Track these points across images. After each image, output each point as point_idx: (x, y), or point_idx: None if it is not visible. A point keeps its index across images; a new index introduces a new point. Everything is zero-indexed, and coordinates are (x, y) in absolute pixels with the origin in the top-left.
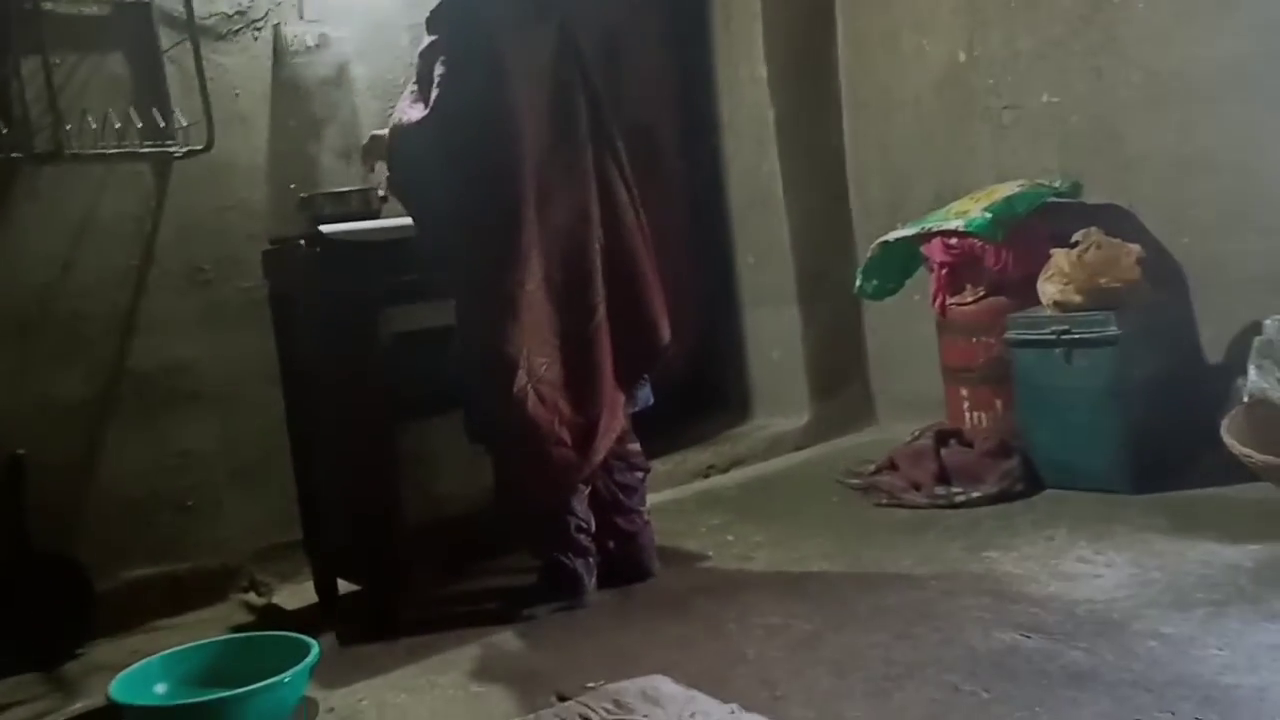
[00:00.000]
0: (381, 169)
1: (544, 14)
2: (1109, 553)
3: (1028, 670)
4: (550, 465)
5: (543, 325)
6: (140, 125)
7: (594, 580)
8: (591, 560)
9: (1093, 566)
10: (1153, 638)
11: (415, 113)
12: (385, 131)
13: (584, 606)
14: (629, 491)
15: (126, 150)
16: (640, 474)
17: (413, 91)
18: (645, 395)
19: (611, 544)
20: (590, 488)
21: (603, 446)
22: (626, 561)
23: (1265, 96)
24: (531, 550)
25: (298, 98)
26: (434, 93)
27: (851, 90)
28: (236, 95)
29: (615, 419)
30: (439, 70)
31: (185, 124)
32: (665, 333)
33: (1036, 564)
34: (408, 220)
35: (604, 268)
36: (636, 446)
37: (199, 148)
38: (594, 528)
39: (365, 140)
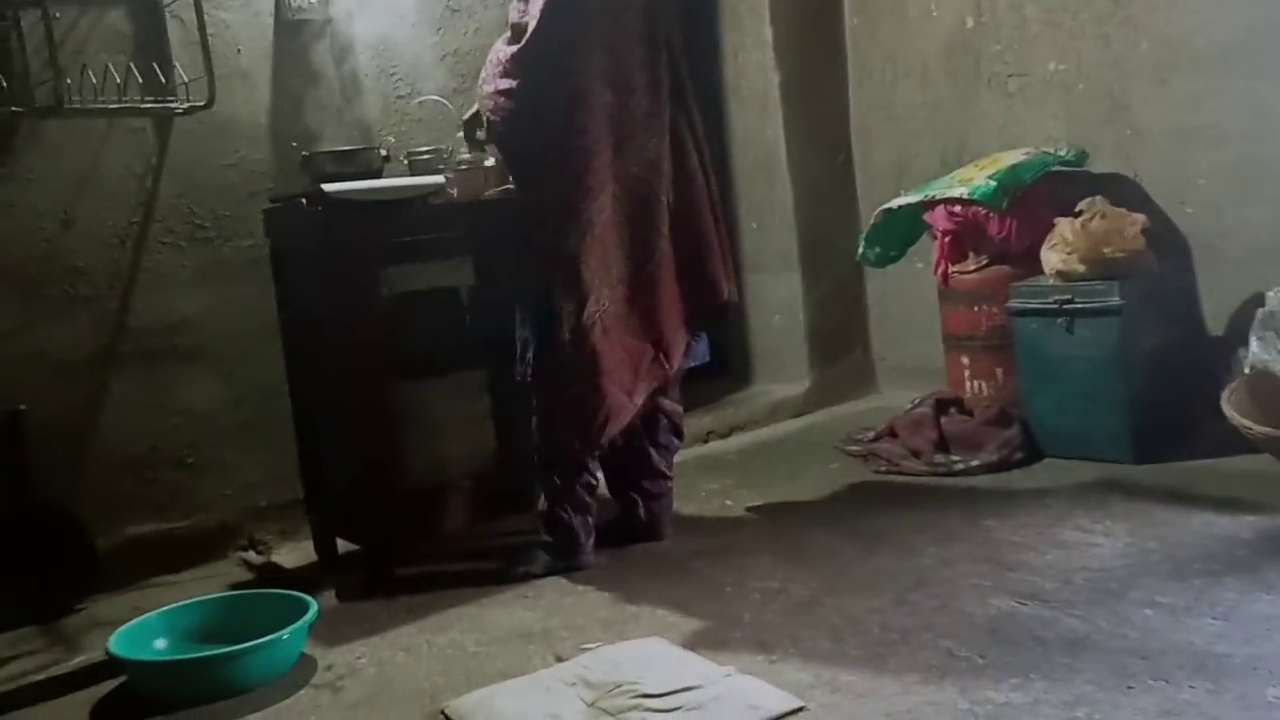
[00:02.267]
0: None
1: None
2: (1107, 522)
3: (1023, 637)
4: (605, 402)
5: (609, 264)
6: (141, 81)
7: (591, 541)
8: (590, 519)
9: (1090, 535)
10: (1148, 606)
11: (508, 50)
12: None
13: (581, 568)
14: (664, 452)
15: (128, 105)
16: (677, 440)
17: (506, 37)
18: (702, 351)
19: (637, 500)
20: (611, 444)
21: (643, 389)
22: (647, 520)
23: (1274, 67)
24: (545, 501)
25: (299, 55)
26: (531, 24)
27: (857, 55)
28: (238, 52)
29: (658, 367)
30: (537, 6)
31: (186, 80)
32: (723, 290)
33: (1034, 532)
34: (410, 180)
35: (670, 221)
36: (681, 409)
37: (200, 104)
38: (599, 485)
39: (465, 117)
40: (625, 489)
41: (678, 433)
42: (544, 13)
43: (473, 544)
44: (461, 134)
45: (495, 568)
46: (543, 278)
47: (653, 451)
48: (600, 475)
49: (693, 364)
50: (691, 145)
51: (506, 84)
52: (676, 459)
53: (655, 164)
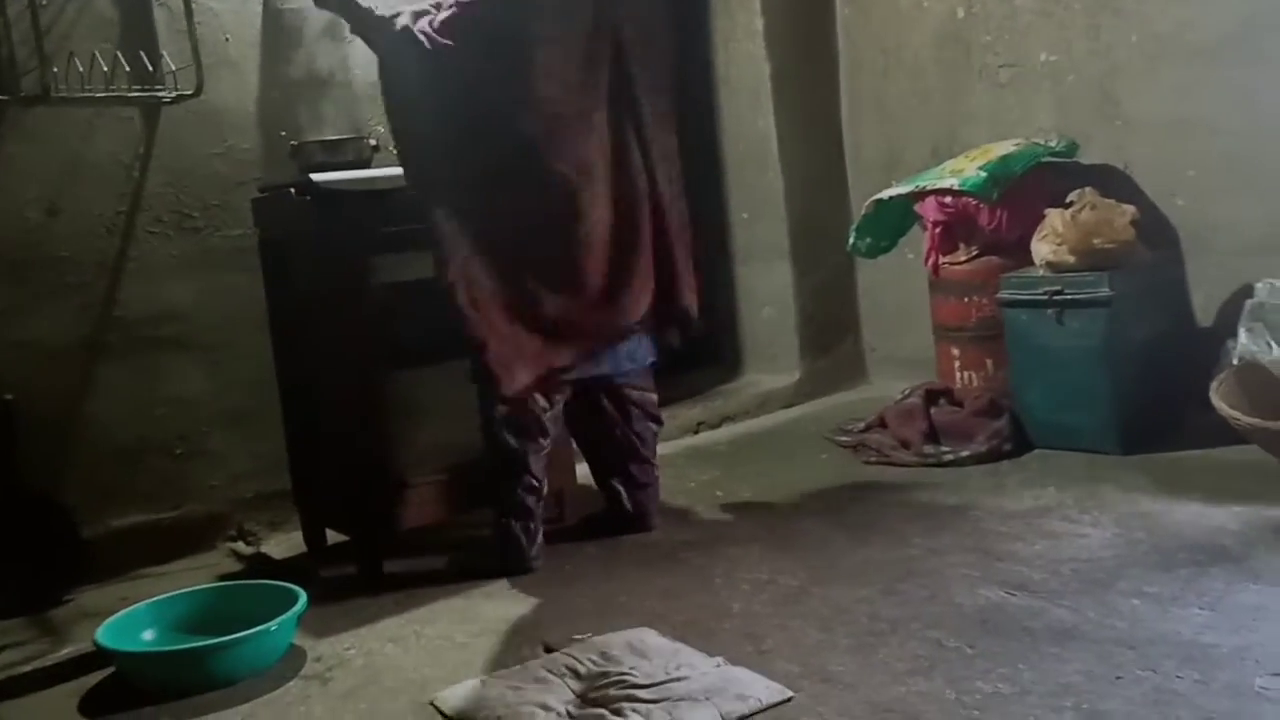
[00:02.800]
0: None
1: None
2: (1095, 512)
3: (1012, 627)
4: (487, 358)
5: (496, 245)
6: (128, 69)
7: (537, 547)
8: (533, 524)
9: (1079, 526)
10: (1136, 596)
11: (425, 31)
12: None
13: (528, 572)
14: (643, 440)
15: (115, 94)
16: (654, 425)
17: (434, 7)
18: (641, 353)
19: (623, 490)
20: (550, 446)
21: (528, 374)
22: (633, 510)
23: (1264, 58)
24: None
25: (288, 43)
26: (446, 17)
27: (849, 46)
28: (226, 40)
29: (549, 356)
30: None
31: (174, 68)
32: (641, 304)
33: (1023, 523)
34: (400, 169)
35: (604, 226)
36: (653, 397)
37: (188, 93)
38: (545, 490)
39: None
40: (609, 478)
41: (653, 419)
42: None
43: (462, 534)
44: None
45: (445, 567)
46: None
47: (634, 439)
48: (543, 478)
49: (632, 367)
50: (637, 154)
51: (432, 34)
52: (665, 450)
53: (585, 165)
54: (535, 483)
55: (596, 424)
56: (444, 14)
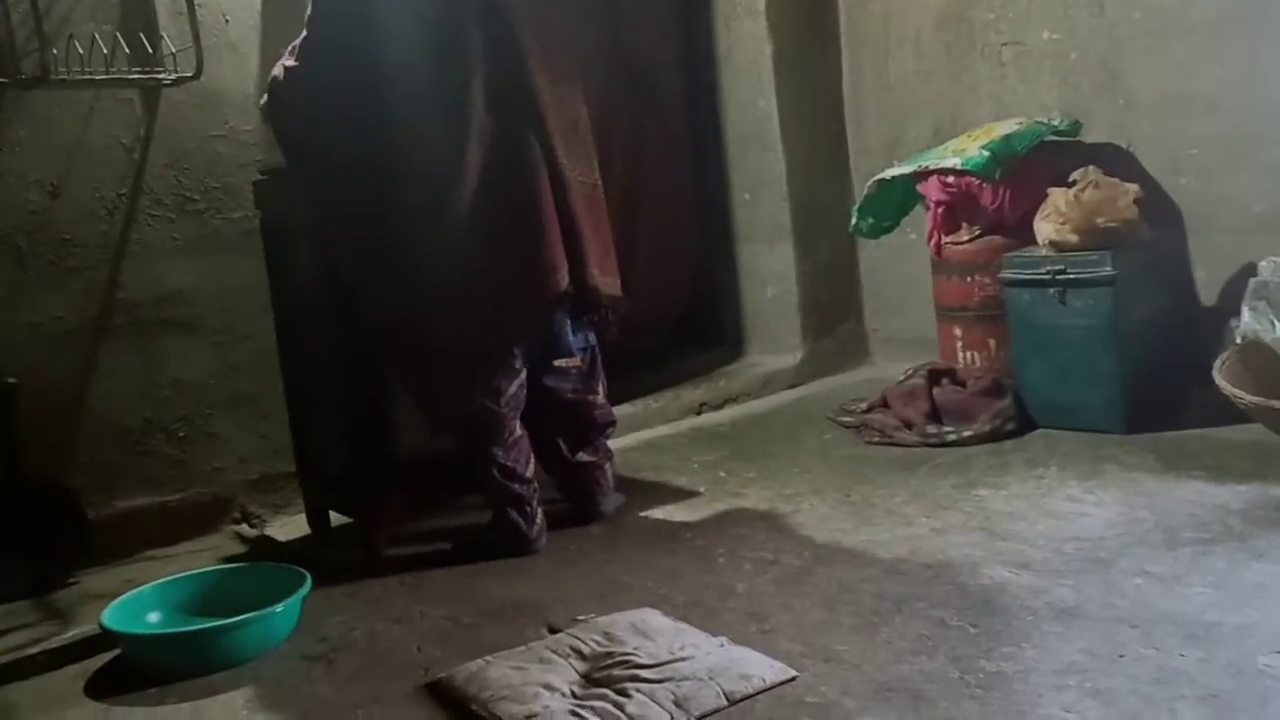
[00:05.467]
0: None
1: None
2: (1098, 491)
3: (1015, 606)
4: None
5: (389, 267)
6: (128, 51)
7: (537, 528)
8: (529, 509)
9: (1082, 505)
10: (1139, 575)
11: (284, 64)
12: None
13: (532, 553)
14: (584, 443)
15: (115, 76)
16: (601, 426)
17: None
18: (567, 343)
19: (565, 489)
20: (519, 431)
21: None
22: (574, 506)
23: (1269, 34)
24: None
25: (288, 25)
26: (298, 40)
27: (851, 24)
28: (226, 22)
29: (463, 366)
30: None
31: (174, 50)
32: (555, 281)
33: (1026, 502)
34: None
35: (487, 207)
36: (599, 399)
37: (188, 75)
38: (527, 475)
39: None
40: (560, 484)
41: (592, 422)
42: (310, 22)
43: (467, 516)
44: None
45: (449, 550)
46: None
47: (564, 447)
48: (527, 464)
49: (556, 357)
50: (530, 133)
51: (287, 65)
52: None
53: (455, 157)
54: (510, 470)
55: (533, 433)
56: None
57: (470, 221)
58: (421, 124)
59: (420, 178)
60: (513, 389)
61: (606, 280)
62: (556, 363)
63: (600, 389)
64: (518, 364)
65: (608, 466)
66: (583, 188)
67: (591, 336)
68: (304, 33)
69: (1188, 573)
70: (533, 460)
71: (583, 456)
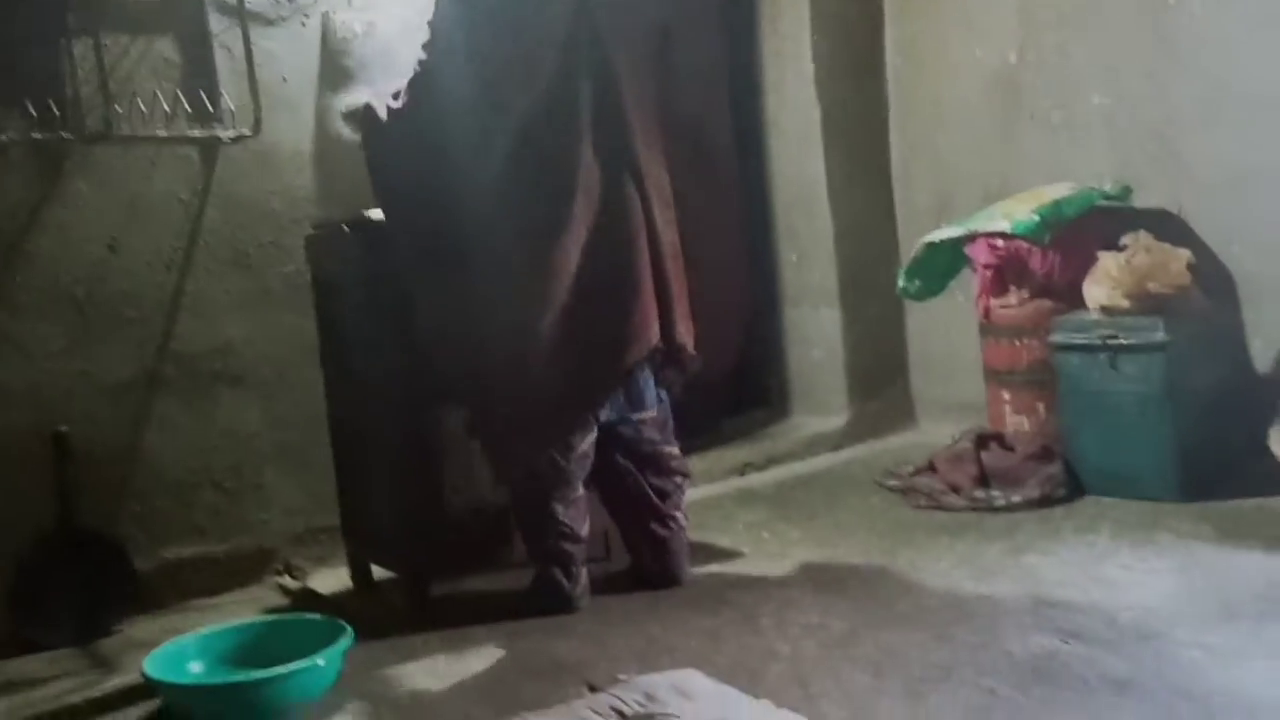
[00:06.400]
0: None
1: None
2: (1152, 560)
3: (1067, 676)
4: (491, 445)
5: (487, 317)
6: (189, 109)
7: (582, 587)
8: (574, 569)
9: (1135, 574)
10: (1196, 647)
11: (387, 104)
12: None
13: (573, 611)
14: (664, 496)
15: (175, 134)
16: (679, 478)
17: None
18: (649, 399)
19: (645, 549)
20: (580, 491)
21: (536, 439)
22: (656, 566)
23: None
24: (527, 554)
25: (344, 85)
26: (404, 88)
27: (899, 94)
28: (284, 81)
29: (556, 416)
30: (419, 57)
31: (233, 108)
32: (647, 338)
33: (1077, 570)
34: None
35: (588, 264)
36: (675, 450)
37: (246, 133)
38: (584, 534)
39: (350, 104)
40: (633, 537)
41: (672, 472)
42: (421, 64)
43: (510, 573)
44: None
45: (497, 608)
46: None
47: (652, 495)
48: (581, 524)
49: (637, 410)
50: (632, 189)
51: (391, 106)
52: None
53: (562, 211)
54: (568, 529)
55: (613, 480)
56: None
57: (569, 277)
58: (527, 178)
59: (522, 231)
60: (584, 446)
61: (689, 338)
62: (636, 416)
63: (674, 441)
64: (595, 420)
65: (684, 531)
66: (671, 248)
67: (663, 392)
68: (413, 74)
69: (1247, 645)
70: (588, 521)
71: (670, 515)
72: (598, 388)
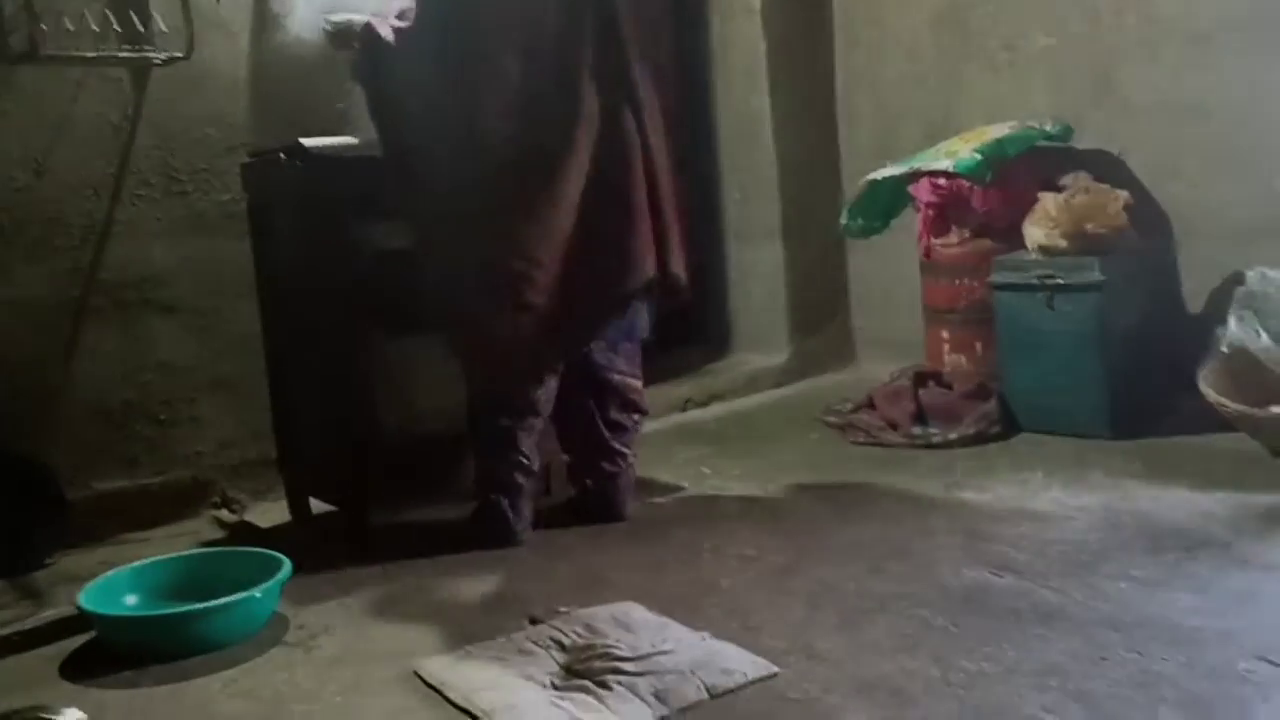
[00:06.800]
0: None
1: None
2: (1083, 496)
3: (997, 607)
4: (471, 362)
5: (487, 240)
6: (119, 29)
7: (526, 522)
8: (521, 501)
9: (1066, 509)
10: (1122, 579)
11: (391, 24)
12: (358, 18)
13: (516, 544)
14: (619, 430)
15: (104, 54)
16: (636, 416)
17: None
18: (639, 326)
19: (589, 481)
20: (541, 422)
21: (524, 365)
22: (600, 501)
23: (1265, 44)
24: (475, 481)
25: (280, 8)
26: (411, 5)
27: (845, 24)
28: (218, 2)
29: (547, 343)
30: None
31: (165, 29)
32: (643, 269)
33: (1010, 505)
34: None
35: (589, 196)
36: (638, 384)
37: (179, 55)
38: (537, 467)
39: (336, 21)
40: (580, 469)
41: (632, 408)
42: None
43: (447, 505)
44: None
45: (436, 541)
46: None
47: (603, 430)
48: (536, 456)
49: (629, 340)
50: (629, 116)
51: (396, 25)
52: (654, 427)
53: (567, 136)
54: (525, 460)
55: (570, 412)
56: (401, 2)
57: (571, 203)
58: (533, 102)
59: (527, 155)
60: (552, 382)
61: (680, 266)
62: (619, 344)
63: (639, 375)
64: (588, 346)
65: (633, 468)
66: (667, 178)
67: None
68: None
69: (1171, 578)
70: (540, 454)
71: (620, 452)
72: (596, 315)
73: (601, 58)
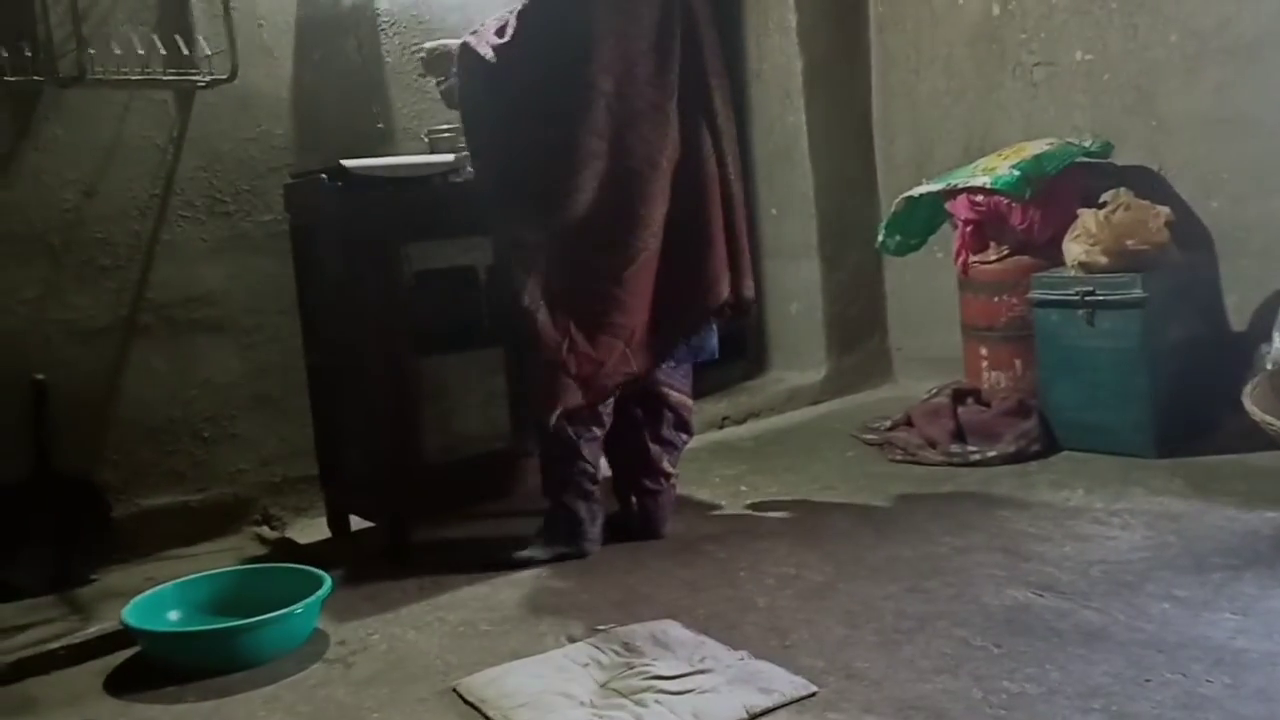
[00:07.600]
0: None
1: None
2: (1125, 515)
3: (1039, 627)
4: (553, 381)
5: (578, 253)
6: (164, 52)
7: (598, 528)
8: (595, 507)
9: (1108, 528)
10: (1166, 600)
11: (490, 42)
12: (453, 44)
13: (584, 555)
14: (669, 447)
15: (150, 77)
16: (684, 435)
17: (499, 19)
18: (710, 347)
19: (633, 497)
20: (604, 433)
21: (604, 383)
22: (641, 519)
23: None
24: (543, 490)
25: (322, 29)
26: (511, 23)
27: (881, 42)
28: (260, 26)
29: (625, 363)
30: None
31: (209, 53)
32: (721, 291)
33: (1051, 523)
34: (430, 157)
35: (671, 218)
36: (691, 404)
37: (222, 77)
38: (600, 475)
39: (430, 48)
40: (624, 485)
41: (684, 427)
42: (525, 9)
43: (487, 523)
44: (422, 67)
45: (497, 553)
46: (500, 256)
47: (653, 447)
48: (600, 464)
49: (696, 360)
50: (708, 139)
51: (495, 44)
52: (690, 446)
53: (654, 159)
54: (590, 468)
55: (622, 424)
56: (496, 22)
57: (657, 226)
58: (626, 125)
59: (615, 177)
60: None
61: (750, 285)
62: (684, 362)
63: (690, 393)
64: (663, 363)
65: (675, 487)
66: (739, 197)
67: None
68: (516, 9)
69: (1216, 598)
70: (600, 466)
71: (664, 471)
72: (672, 334)
73: (686, 83)
